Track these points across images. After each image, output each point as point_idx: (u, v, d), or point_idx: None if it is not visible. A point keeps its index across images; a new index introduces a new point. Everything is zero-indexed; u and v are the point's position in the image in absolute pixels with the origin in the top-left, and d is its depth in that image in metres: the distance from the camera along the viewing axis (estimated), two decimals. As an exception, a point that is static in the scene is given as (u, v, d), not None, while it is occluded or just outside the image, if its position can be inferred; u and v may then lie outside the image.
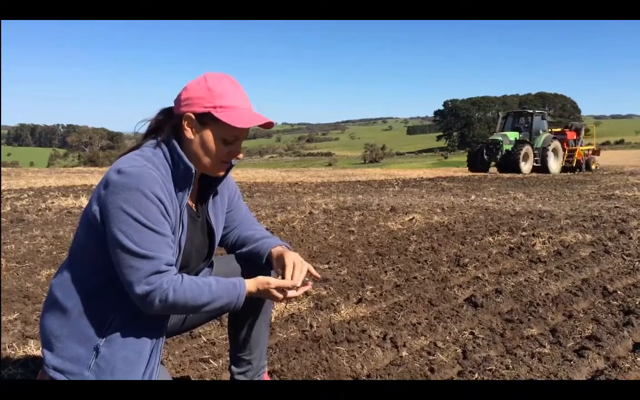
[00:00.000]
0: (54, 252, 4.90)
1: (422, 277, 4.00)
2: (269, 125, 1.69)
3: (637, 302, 3.28)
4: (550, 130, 24.98)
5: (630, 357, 2.51)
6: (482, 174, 21.21)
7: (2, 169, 22.79)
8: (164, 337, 1.71)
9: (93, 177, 16.00)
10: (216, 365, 2.53)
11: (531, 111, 24.97)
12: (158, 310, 1.55)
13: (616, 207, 8.01)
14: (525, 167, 22.43)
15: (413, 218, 6.82)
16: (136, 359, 1.58)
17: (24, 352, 2.62)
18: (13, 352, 2.62)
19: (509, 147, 22.83)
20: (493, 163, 23.46)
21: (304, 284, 1.78)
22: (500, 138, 23.25)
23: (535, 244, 5.10)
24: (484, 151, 23.35)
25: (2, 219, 6.89)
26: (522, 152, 22.15)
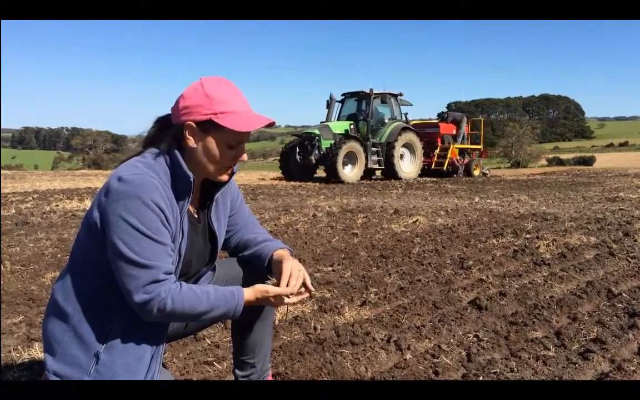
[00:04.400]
0: (59, 255, 4.92)
1: (426, 280, 3.99)
2: (271, 124, 1.68)
3: (642, 305, 3.26)
4: (404, 119, 18.33)
5: (635, 359, 2.50)
6: (309, 182, 15.90)
7: (7, 172, 22.88)
8: (165, 343, 1.71)
9: (97, 179, 16.04)
10: (220, 368, 2.53)
11: (367, 92, 17.38)
12: (156, 318, 1.56)
13: (621, 209, 7.98)
14: (351, 173, 16.15)
15: (417, 220, 6.81)
16: (136, 365, 1.58)
17: (28, 354, 2.63)
18: (18, 355, 2.63)
19: (329, 143, 16.01)
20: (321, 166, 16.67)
21: (299, 293, 1.78)
22: (317, 131, 16.38)
23: (539, 246, 5.08)
24: (297, 149, 16.68)
25: (7, 221, 6.91)
26: (342, 152, 15.60)
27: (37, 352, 2.65)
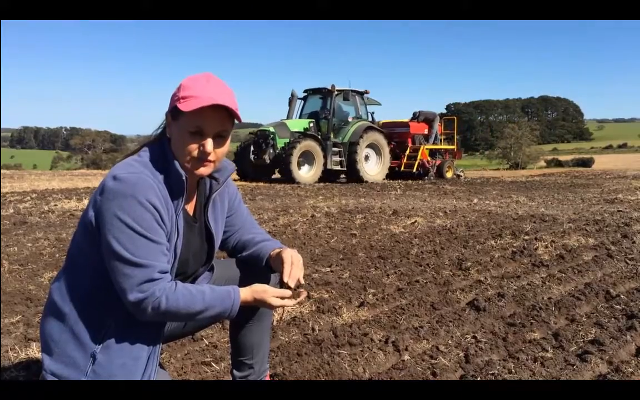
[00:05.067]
0: (57, 255, 4.91)
1: (424, 281, 3.99)
2: (236, 116, 1.62)
3: (640, 307, 3.27)
4: (371, 118, 17.54)
5: (633, 361, 2.50)
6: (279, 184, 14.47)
7: (6, 171, 22.85)
8: (161, 343, 1.71)
9: (96, 179, 16.03)
10: (218, 368, 2.53)
11: (329, 88, 16.30)
12: (151, 318, 1.56)
13: (619, 211, 7.99)
14: (308, 174, 15.26)
15: (415, 221, 6.81)
16: (133, 365, 1.58)
17: (26, 354, 2.62)
18: (15, 355, 2.62)
19: (284, 141, 15.15)
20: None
21: (298, 294, 1.77)
22: (272, 128, 15.53)
23: (537, 247, 5.08)
24: (251, 148, 15.71)
25: (6, 221, 6.91)
26: (296, 151, 14.71)
27: (34, 351, 2.64)
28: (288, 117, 16.86)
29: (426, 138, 18.60)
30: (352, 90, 16.92)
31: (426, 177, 17.73)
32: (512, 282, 3.91)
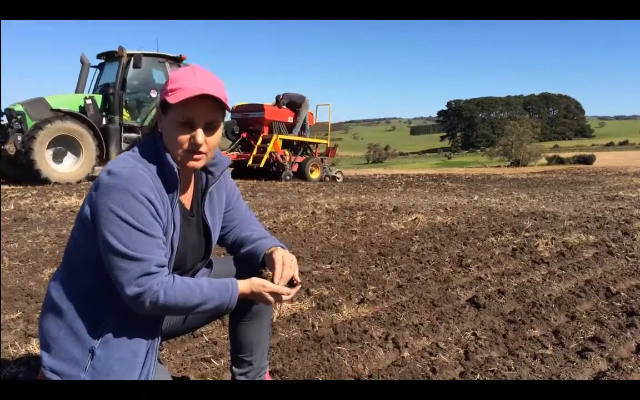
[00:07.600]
0: (57, 251, 4.91)
1: (425, 278, 3.99)
2: (224, 105, 1.62)
3: (640, 304, 3.26)
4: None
5: (633, 358, 2.50)
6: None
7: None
8: (160, 337, 1.71)
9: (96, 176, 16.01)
10: (218, 365, 2.53)
11: (114, 51, 12.20)
12: (149, 312, 1.55)
13: (620, 208, 7.97)
14: (72, 169, 11.22)
15: (416, 218, 6.81)
16: (132, 360, 1.58)
17: (26, 350, 2.63)
18: (15, 351, 2.62)
19: (34, 123, 10.98)
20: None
21: (293, 286, 1.76)
22: (20, 107, 11.19)
23: (538, 244, 5.08)
24: None
25: (6, 217, 6.91)
26: (41, 137, 10.59)
27: (34, 348, 2.64)
28: (77, 91, 12.31)
29: (290, 127, 15.10)
30: (151, 54, 12.42)
31: (284, 176, 14.27)
32: (512, 279, 3.91)
